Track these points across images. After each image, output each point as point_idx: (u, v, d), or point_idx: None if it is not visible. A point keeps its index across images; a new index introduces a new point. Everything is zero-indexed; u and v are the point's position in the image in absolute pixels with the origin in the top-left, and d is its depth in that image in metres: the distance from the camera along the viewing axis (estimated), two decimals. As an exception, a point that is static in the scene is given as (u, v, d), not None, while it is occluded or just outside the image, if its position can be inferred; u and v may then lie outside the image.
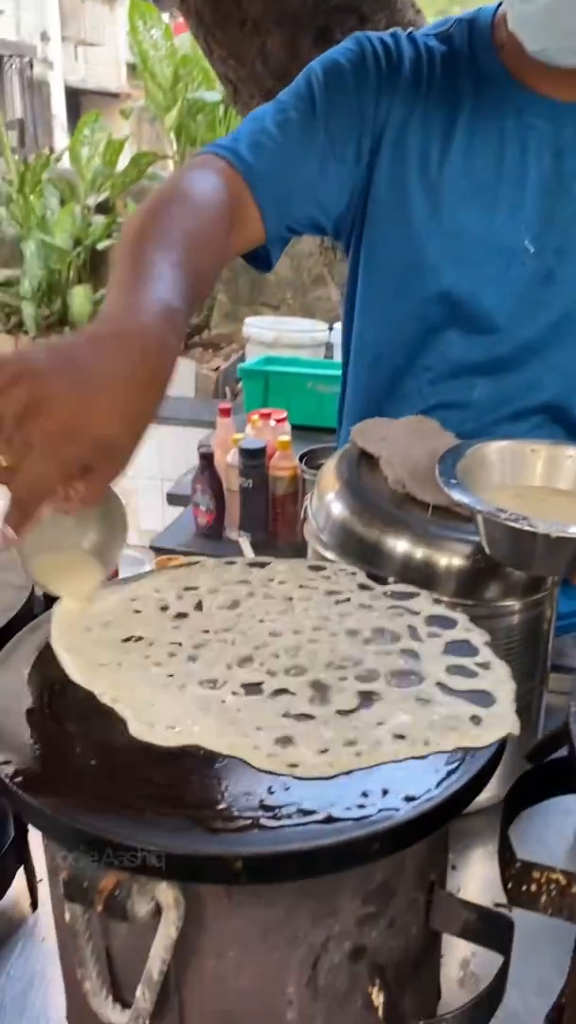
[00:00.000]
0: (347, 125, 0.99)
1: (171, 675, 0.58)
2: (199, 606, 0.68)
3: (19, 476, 0.55)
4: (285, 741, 0.52)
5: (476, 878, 0.85)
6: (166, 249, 0.72)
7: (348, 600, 0.68)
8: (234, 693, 0.56)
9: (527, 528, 0.72)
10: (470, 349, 1.06)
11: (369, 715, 0.54)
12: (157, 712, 0.54)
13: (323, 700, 0.56)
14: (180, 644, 0.62)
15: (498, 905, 0.55)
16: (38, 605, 0.78)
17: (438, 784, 0.49)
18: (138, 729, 0.53)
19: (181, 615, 0.66)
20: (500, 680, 0.58)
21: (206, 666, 0.59)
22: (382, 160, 1.01)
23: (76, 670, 0.59)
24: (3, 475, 0.56)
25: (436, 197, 1.01)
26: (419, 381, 1.10)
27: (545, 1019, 0.69)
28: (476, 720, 0.54)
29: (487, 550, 0.79)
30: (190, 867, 0.45)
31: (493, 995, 0.52)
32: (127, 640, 0.63)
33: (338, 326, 3.00)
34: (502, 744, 0.54)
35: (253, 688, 0.57)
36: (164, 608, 0.67)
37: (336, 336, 3.50)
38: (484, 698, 0.57)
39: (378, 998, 0.52)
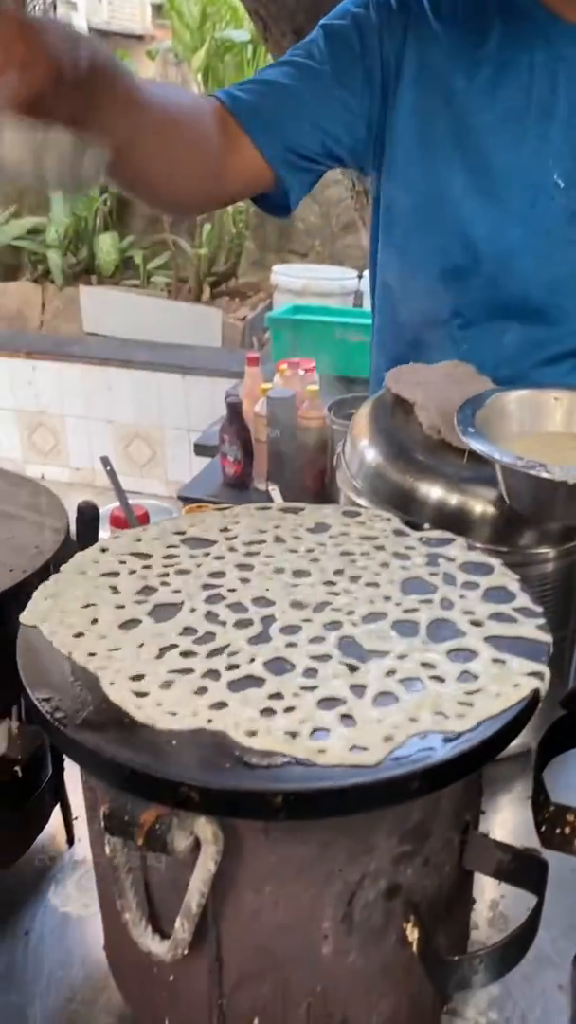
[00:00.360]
0: (350, 57, 0.98)
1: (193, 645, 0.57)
2: (233, 550, 0.67)
3: None
4: (319, 733, 0.48)
5: (505, 824, 0.85)
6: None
7: (383, 547, 0.68)
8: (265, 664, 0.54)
9: (544, 476, 0.70)
10: (496, 291, 1.04)
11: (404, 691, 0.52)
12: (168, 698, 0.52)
13: (356, 665, 0.54)
14: (214, 593, 0.62)
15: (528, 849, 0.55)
16: (73, 548, 0.78)
17: (475, 726, 0.49)
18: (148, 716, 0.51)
19: (219, 558, 0.66)
20: (537, 627, 0.58)
21: (233, 630, 0.58)
22: (403, 92, 0.99)
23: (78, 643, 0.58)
24: None
25: (460, 129, 0.98)
26: (449, 326, 1.08)
27: (573, 960, 0.70)
28: (515, 674, 0.53)
29: (508, 501, 0.78)
30: (229, 802, 0.45)
31: (526, 934, 0.53)
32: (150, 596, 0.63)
33: (367, 273, 2.96)
34: (538, 691, 0.54)
35: (290, 639, 0.57)
36: (195, 556, 0.67)
37: (366, 284, 3.45)
38: (522, 647, 0.56)
39: (412, 934, 0.53)
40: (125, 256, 4.29)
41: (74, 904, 0.76)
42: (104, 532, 1.03)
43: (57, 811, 0.80)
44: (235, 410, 2.20)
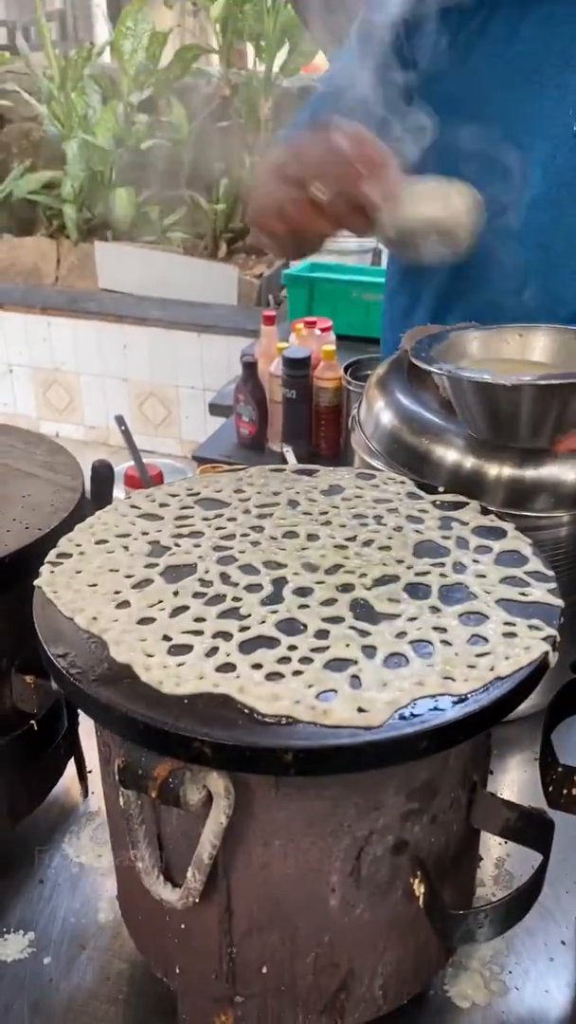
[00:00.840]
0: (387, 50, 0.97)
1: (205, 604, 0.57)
2: (246, 512, 0.68)
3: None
4: (326, 695, 0.49)
5: (513, 784, 0.86)
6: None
7: (396, 510, 0.68)
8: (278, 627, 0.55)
9: (488, 381, 0.73)
10: (516, 246, 1.03)
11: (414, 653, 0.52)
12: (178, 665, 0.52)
13: (367, 628, 0.54)
14: (227, 554, 0.62)
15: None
16: (88, 506, 0.79)
17: (483, 688, 0.49)
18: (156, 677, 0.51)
19: (231, 519, 0.67)
20: (548, 591, 0.58)
21: (243, 592, 0.58)
22: (416, 50, 0.98)
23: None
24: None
25: (474, 82, 0.97)
26: (465, 283, 1.07)
27: (576, 917, 0.72)
28: (525, 637, 0.54)
29: (470, 430, 0.80)
30: (241, 757, 0.46)
31: (530, 891, 0.54)
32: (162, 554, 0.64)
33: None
34: (547, 654, 0.54)
35: (302, 600, 0.57)
36: (209, 518, 0.67)
37: (383, 243, 3.40)
38: (534, 611, 0.56)
39: (419, 889, 0.54)
40: (141, 211, 4.23)
41: (88, 855, 0.78)
42: (119, 491, 1.03)
43: (72, 764, 0.81)
44: (250, 370, 2.18)
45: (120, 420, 1.11)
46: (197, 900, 0.52)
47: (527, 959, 0.68)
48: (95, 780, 0.83)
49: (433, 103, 0.99)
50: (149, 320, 3.76)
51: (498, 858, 0.77)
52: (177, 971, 0.59)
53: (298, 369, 2.08)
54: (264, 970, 0.56)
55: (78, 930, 0.71)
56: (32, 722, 0.67)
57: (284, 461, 1.13)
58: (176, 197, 4.25)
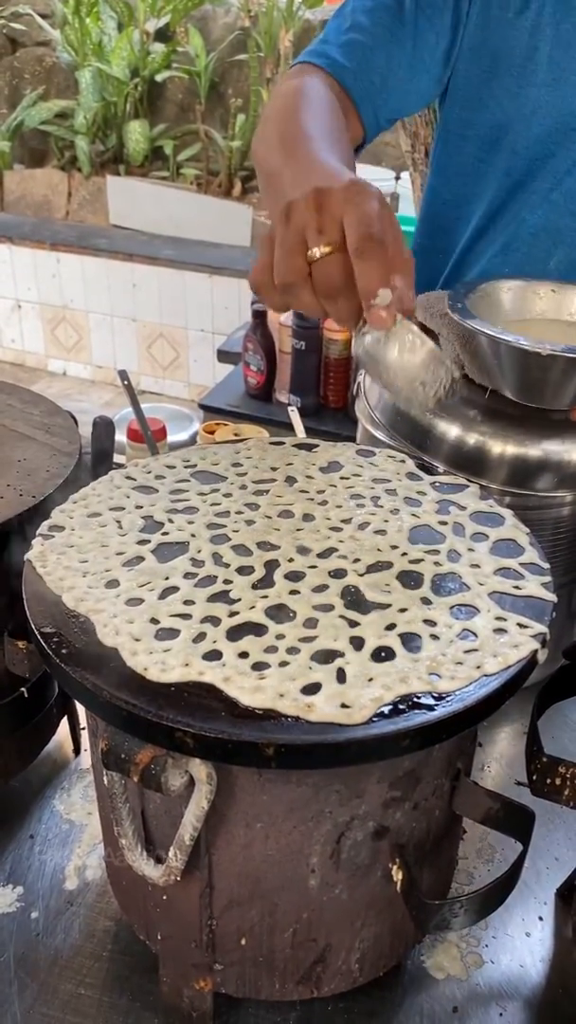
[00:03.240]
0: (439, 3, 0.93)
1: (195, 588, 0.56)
2: (243, 488, 0.67)
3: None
4: (310, 689, 0.48)
5: (501, 757, 0.87)
6: (320, 141, 0.74)
7: (394, 491, 0.67)
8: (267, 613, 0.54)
9: (525, 348, 0.73)
10: (550, 210, 1.00)
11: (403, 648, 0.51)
12: (166, 648, 0.51)
13: (356, 618, 0.54)
14: (221, 534, 0.62)
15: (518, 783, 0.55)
16: (85, 472, 0.78)
17: (469, 686, 0.49)
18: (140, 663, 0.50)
19: (227, 495, 0.66)
20: (542, 585, 0.57)
21: (234, 574, 0.57)
22: (473, 7, 0.94)
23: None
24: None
25: (534, 41, 0.93)
26: (493, 247, 1.05)
27: (556, 893, 0.73)
28: (515, 634, 0.53)
29: (493, 384, 0.81)
30: (223, 749, 0.46)
31: (507, 882, 0.54)
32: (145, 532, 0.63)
33: (405, 175, 2.83)
34: (536, 652, 0.54)
35: (294, 586, 0.57)
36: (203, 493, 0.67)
37: (403, 186, 3.31)
38: (526, 606, 0.56)
39: (397, 875, 0.54)
40: (155, 145, 4.13)
41: (78, 812, 0.79)
42: (121, 436, 1.02)
43: (64, 721, 0.82)
44: (260, 319, 2.15)
45: (123, 375, 1.10)
46: (179, 878, 0.53)
47: (504, 933, 0.70)
48: (88, 738, 0.84)
49: (489, 59, 0.95)
50: (160, 259, 3.69)
51: (481, 831, 0.78)
52: (159, 937, 0.60)
53: (308, 320, 2.05)
54: (243, 942, 0.57)
55: (65, 886, 0.72)
56: (23, 689, 0.67)
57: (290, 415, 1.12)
58: (191, 132, 4.14)
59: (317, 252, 0.57)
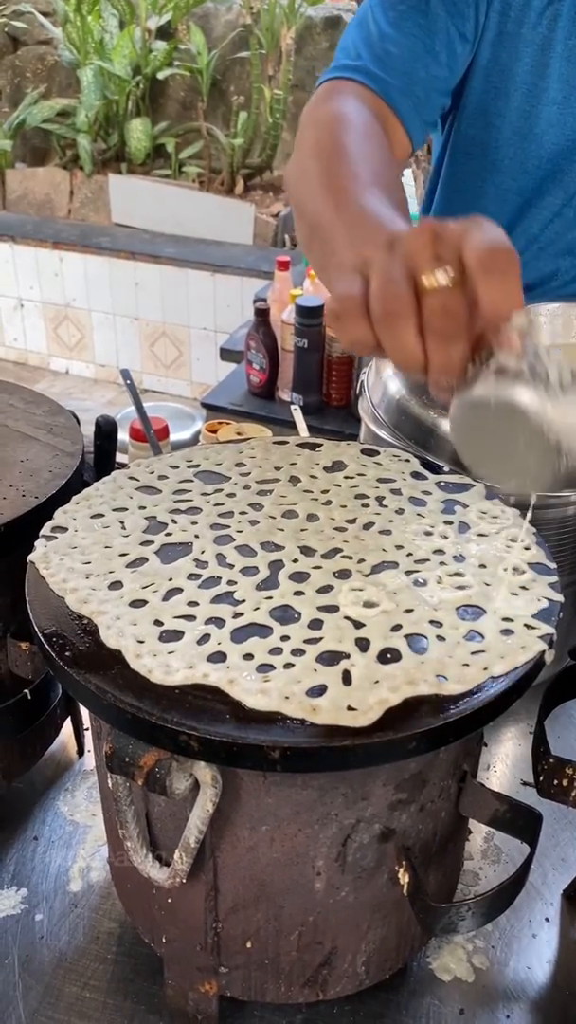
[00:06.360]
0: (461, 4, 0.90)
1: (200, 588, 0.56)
2: (246, 488, 0.67)
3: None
4: (316, 691, 0.48)
5: (506, 757, 0.87)
6: (372, 188, 0.67)
7: (399, 491, 0.66)
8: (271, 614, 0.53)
9: None
10: (565, 224, 0.99)
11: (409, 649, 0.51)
12: (170, 650, 0.51)
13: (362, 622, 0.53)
14: (225, 535, 0.61)
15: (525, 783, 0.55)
16: (88, 472, 0.78)
17: (476, 689, 0.49)
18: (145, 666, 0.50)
19: (231, 495, 0.66)
20: (549, 585, 0.57)
21: (237, 576, 0.57)
22: (489, 21, 0.92)
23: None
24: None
25: (545, 58, 0.91)
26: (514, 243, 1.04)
27: (563, 894, 0.73)
28: (523, 635, 0.53)
29: None
30: (228, 752, 0.46)
31: (515, 884, 0.54)
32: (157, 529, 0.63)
33: (408, 172, 2.82)
34: (543, 653, 0.53)
35: (298, 587, 0.56)
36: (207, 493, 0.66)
37: (406, 184, 3.30)
38: (533, 606, 0.55)
39: (404, 877, 0.54)
40: (157, 144, 4.12)
41: (82, 813, 0.79)
42: (123, 435, 1.02)
43: (68, 722, 0.82)
44: (262, 317, 2.15)
45: (125, 375, 1.09)
46: (184, 881, 0.53)
47: (510, 935, 0.69)
48: (91, 740, 0.84)
49: (500, 71, 0.94)
50: (162, 258, 3.69)
51: (488, 832, 0.78)
52: (164, 940, 0.60)
53: (311, 318, 2.05)
54: (248, 945, 0.57)
55: (70, 888, 0.72)
56: (26, 691, 0.67)
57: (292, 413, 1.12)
58: (193, 130, 4.13)
59: (435, 280, 0.48)
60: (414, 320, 0.48)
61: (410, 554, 0.59)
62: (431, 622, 0.53)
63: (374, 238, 0.53)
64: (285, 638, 0.51)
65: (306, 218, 0.73)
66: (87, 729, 0.84)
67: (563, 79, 0.92)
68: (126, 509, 0.63)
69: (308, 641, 0.51)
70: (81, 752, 0.85)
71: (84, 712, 0.83)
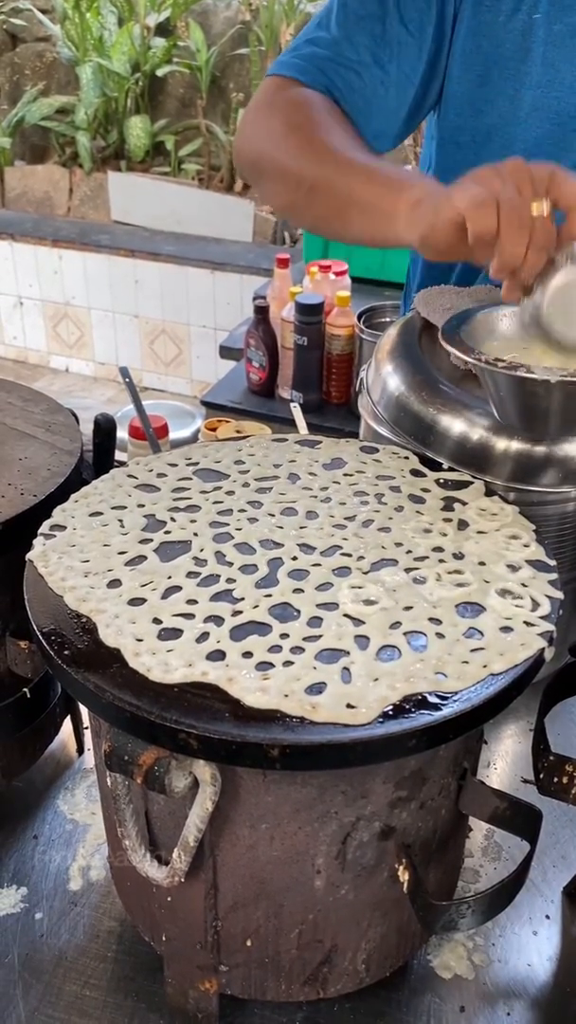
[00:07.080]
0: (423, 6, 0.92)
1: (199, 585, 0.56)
2: (245, 485, 0.66)
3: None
4: (315, 689, 0.48)
5: (507, 754, 0.87)
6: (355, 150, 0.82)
7: (398, 488, 0.66)
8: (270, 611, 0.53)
9: (527, 376, 0.68)
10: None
11: (409, 649, 0.51)
12: (169, 648, 0.51)
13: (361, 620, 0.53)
14: (225, 534, 0.61)
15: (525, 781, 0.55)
16: (86, 470, 0.78)
17: (476, 686, 0.49)
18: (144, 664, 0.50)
19: (230, 493, 0.65)
20: (549, 583, 0.57)
21: (237, 573, 0.57)
22: (463, 10, 0.93)
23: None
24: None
25: (527, 43, 0.91)
26: None
27: (563, 891, 0.73)
28: (522, 632, 0.53)
29: (498, 416, 0.76)
30: (227, 751, 0.46)
31: (515, 881, 0.54)
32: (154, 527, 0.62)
33: (408, 168, 2.81)
34: (543, 650, 0.53)
35: (297, 584, 0.56)
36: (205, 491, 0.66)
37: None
38: (532, 603, 0.55)
39: (404, 875, 0.54)
40: (156, 141, 4.12)
41: (82, 812, 0.79)
42: (122, 433, 1.01)
43: (68, 720, 0.82)
44: (262, 314, 2.14)
45: (124, 372, 1.09)
46: (183, 879, 0.53)
47: (511, 932, 0.69)
48: (91, 738, 0.84)
49: (480, 65, 0.94)
50: (162, 255, 3.68)
51: (488, 829, 0.78)
52: (164, 938, 0.60)
53: (310, 315, 2.04)
54: (248, 943, 0.57)
55: (69, 886, 0.72)
56: (25, 689, 0.67)
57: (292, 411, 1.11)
58: (192, 127, 4.13)
59: (543, 209, 0.66)
60: (528, 231, 0.65)
61: (409, 551, 0.59)
62: (430, 619, 0.52)
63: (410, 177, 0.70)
64: (284, 636, 0.51)
65: (302, 182, 0.85)
66: (86, 728, 0.84)
67: (547, 63, 0.92)
68: (125, 507, 0.63)
69: (307, 639, 0.51)
70: (81, 751, 0.85)
71: (84, 710, 0.82)
